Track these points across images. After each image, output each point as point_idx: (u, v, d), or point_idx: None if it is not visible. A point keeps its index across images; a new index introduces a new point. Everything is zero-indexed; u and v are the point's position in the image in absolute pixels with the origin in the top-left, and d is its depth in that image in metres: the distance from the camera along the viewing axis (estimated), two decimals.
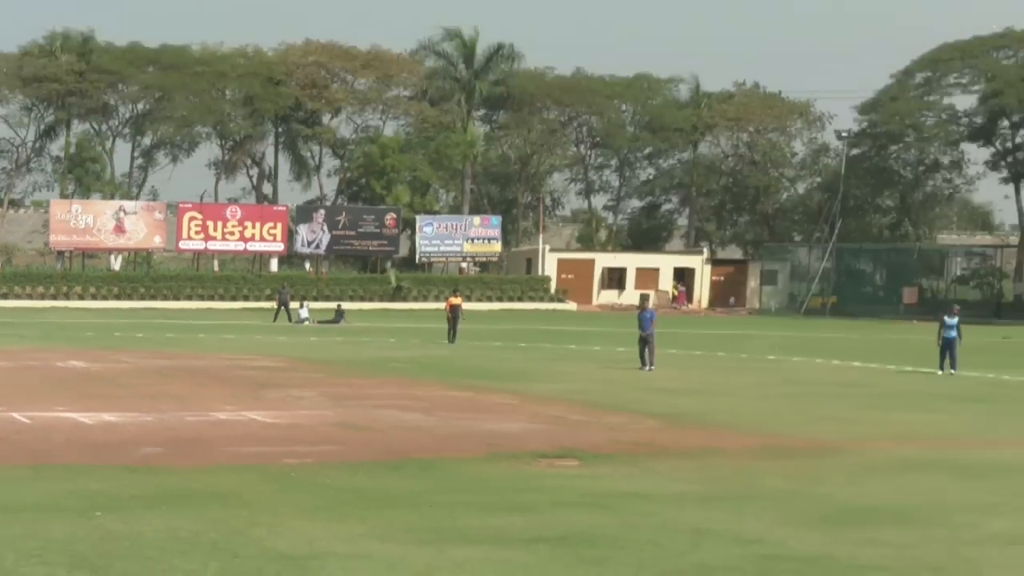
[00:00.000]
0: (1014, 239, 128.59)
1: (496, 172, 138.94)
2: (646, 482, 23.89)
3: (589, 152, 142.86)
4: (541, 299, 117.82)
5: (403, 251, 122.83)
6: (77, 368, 47.14)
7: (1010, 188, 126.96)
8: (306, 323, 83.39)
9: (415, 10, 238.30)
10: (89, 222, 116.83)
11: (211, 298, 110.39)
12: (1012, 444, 31.05)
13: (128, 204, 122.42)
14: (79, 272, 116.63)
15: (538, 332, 76.94)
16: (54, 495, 21.21)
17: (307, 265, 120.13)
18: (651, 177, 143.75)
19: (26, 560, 16.44)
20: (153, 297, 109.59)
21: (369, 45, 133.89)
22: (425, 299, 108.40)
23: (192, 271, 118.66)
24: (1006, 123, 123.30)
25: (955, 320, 52.55)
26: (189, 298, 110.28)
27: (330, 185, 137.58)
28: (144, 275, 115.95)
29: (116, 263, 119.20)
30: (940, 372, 50.97)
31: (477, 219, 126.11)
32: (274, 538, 18.14)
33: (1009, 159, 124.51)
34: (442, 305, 76.10)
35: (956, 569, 17.10)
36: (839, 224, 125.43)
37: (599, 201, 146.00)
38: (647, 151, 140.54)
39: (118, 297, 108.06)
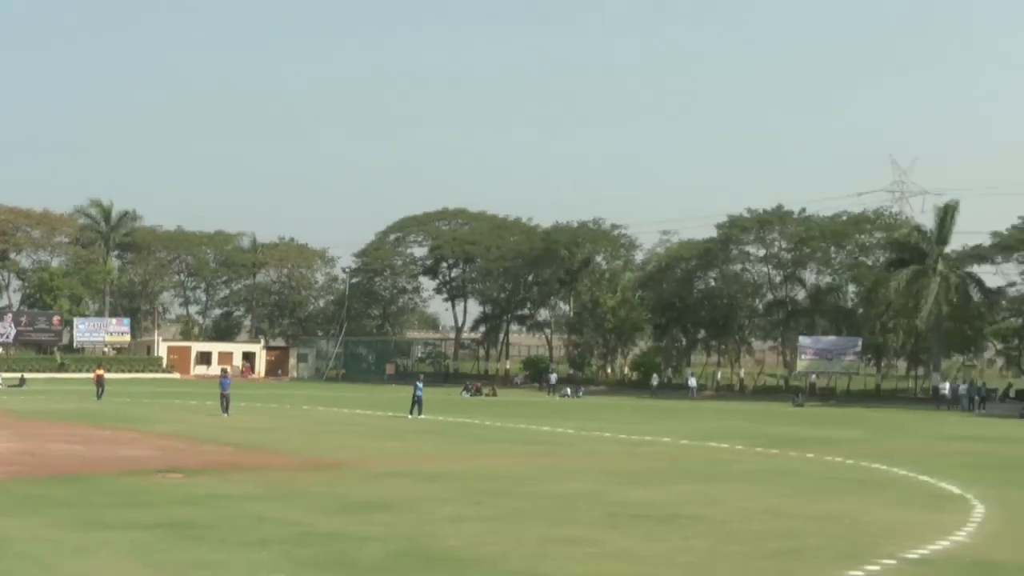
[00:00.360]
0: (452, 335, 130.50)
1: (127, 290, 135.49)
2: (226, 487, 23.41)
3: (187, 279, 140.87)
4: (156, 371, 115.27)
5: (66, 340, 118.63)
6: None
7: (448, 304, 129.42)
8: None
9: (73, 184, 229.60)
10: None
11: None
12: (454, 460, 31.47)
13: None
14: None
15: (155, 392, 74.81)
16: None
17: (0, 349, 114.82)
18: (227, 294, 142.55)
19: None
20: None
21: (42, 208, 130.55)
22: (81, 371, 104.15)
23: None
24: (445, 265, 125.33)
25: (421, 384, 53.17)
26: None
27: (16, 298, 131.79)
28: None
29: None
30: (410, 416, 51.07)
31: (114, 320, 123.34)
32: None
33: (447, 287, 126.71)
34: (92, 375, 73.81)
35: (422, 537, 17.20)
36: (345, 325, 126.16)
37: (193, 309, 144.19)
38: (224, 278, 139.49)
39: None
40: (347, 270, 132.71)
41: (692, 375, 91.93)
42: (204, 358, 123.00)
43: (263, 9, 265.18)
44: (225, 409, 50.12)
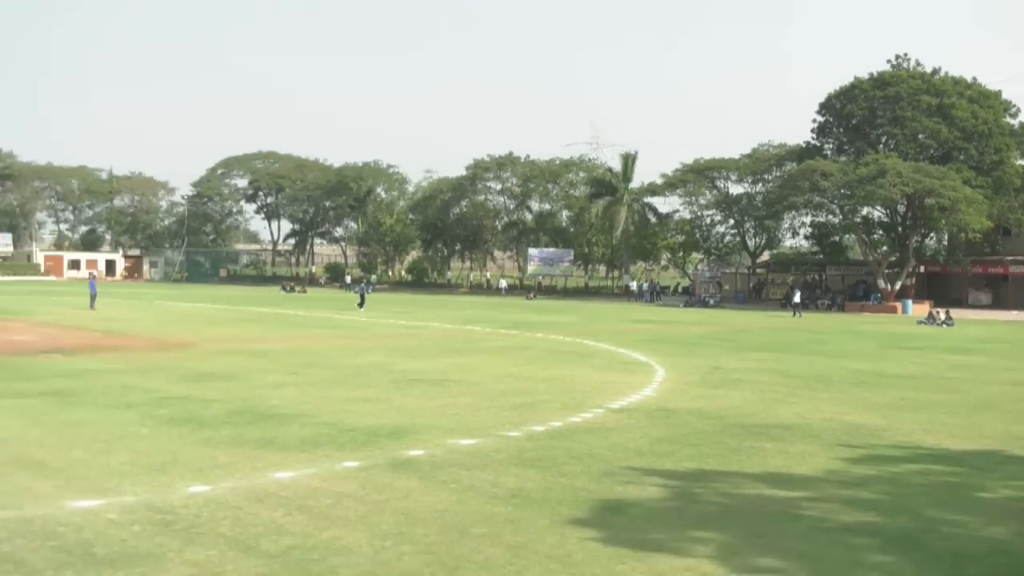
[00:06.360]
0: (270, 246, 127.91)
1: (7, 211, 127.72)
2: (98, 364, 22.45)
3: (57, 202, 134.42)
4: (36, 275, 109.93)
5: None
6: None
7: (266, 223, 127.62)
8: None
9: None
10: None
11: None
12: (275, 341, 30.86)
13: None
14: None
15: (36, 292, 71.13)
16: None
17: None
18: (91, 215, 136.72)
19: None
20: None
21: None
22: None
23: None
24: (261, 193, 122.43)
25: (365, 287, 51.09)
26: None
27: None
28: None
29: None
30: (360, 309, 49.22)
31: None
32: None
33: (264, 209, 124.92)
34: None
35: (253, 399, 16.87)
36: (187, 239, 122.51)
37: (64, 226, 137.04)
38: (88, 203, 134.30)
39: None
40: (185, 197, 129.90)
41: (631, 279, 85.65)
42: (75, 264, 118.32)
43: None
44: (92, 304, 48.08)
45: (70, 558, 7.89)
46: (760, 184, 78.23)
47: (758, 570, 7.97)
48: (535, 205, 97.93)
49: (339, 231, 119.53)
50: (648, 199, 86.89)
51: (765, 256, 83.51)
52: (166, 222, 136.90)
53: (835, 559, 8.27)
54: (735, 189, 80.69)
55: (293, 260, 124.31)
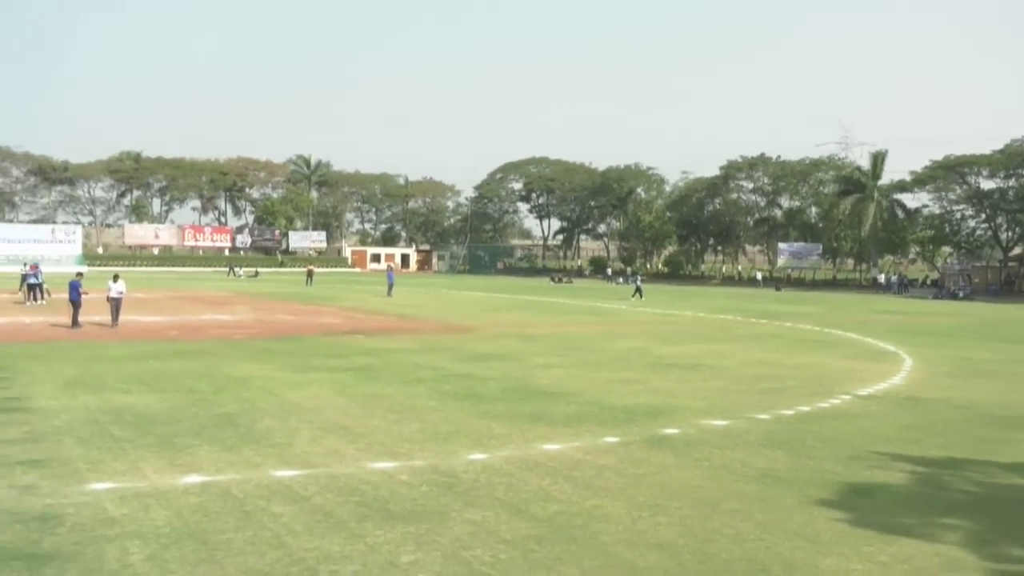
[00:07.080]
0: (540, 242, 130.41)
1: (322, 212, 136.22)
2: (393, 343, 23.51)
3: (362, 204, 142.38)
4: (344, 267, 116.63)
5: (284, 246, 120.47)
6: (138, 296, 44.30)
7: (537, 221, 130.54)
8: (240, 277, 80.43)
9: (284, 139, 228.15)
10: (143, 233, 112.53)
11: (198, 265, 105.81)
12: (544, 327, 31.27)
13: (160, 226, 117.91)
14: (148, 254, 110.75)
15: (343, 281, 75.61)
16: (131, 352, 20.12)
17: (240, 252, 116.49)
18: (389, 215, 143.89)
19: (117, 381, 15.71)
20: (178, 265, 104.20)
21: (265, 158, 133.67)
22: (294, 267, 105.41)
23: (194, 254, 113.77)
24: (534, 194, 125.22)
25: (640, 279, 52.37)
26: (184, 265, 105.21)
27: (250, 218, 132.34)
28: (174, 256, 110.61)
29: (156, 251, 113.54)
30: (633, 298, 50.25)
31: (315, 232, 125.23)
32: (229, 370, 17.54)
33: (536, 209, 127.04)
34: (304, 269, 75.23)
35: (525, 377, 17.13)
36: (469, 235, 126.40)
37: (367, 224, 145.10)
38: (387, 204, 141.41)
39: (159, 265, 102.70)
40: (468, 199, 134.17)
41: (879, 271, 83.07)
42: (375, 258, 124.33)
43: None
44: (389, 292, 50.57)
45: (369, 512, 8.29)
46: (1013, 179, 72.53)
47: (1011, 559, 7.33)
48: (785, 202, 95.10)
49: (602, 228, 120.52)
50: (896, 195, 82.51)
51: (1018, 250, 77.27)
52: (452, 220, 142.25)
53: None
54: (986, 184, 75.27)
55: (561, 254, 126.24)
